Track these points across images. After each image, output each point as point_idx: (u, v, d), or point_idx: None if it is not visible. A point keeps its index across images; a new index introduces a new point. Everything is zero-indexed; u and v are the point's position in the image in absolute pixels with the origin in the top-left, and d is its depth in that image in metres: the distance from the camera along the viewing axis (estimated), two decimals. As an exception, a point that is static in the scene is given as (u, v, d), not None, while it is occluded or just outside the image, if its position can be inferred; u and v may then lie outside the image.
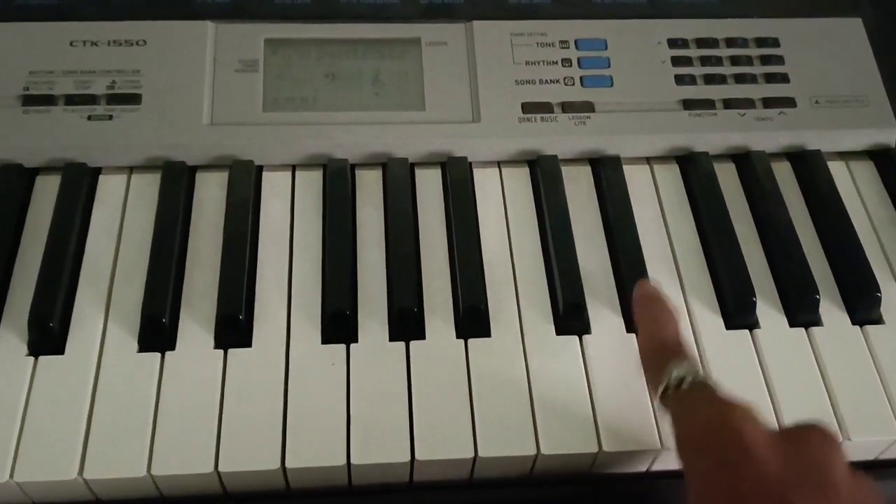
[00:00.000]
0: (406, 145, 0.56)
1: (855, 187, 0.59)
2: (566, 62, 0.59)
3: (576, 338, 0.50)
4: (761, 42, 0.61)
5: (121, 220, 0.54)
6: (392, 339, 0.49)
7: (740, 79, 0.59)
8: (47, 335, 0.48)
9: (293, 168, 0.57)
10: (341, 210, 0.54)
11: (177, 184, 0.54)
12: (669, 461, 0.47)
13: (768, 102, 0.59)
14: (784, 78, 0.60)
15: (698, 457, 0.39)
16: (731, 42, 0.61)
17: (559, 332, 0.50)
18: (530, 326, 0.50)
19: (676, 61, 0.60)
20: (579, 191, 0.57)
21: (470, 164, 0.57)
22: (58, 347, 0.48)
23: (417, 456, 0.45)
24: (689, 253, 0.54)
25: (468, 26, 0.60)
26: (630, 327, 0.51)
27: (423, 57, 0.59)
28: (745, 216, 0.57)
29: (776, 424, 0.47)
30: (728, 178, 0.58)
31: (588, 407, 0.47)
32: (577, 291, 0.51)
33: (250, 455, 0.45)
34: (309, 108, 0.57)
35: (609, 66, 0.59)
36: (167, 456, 0.44)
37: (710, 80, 0.59)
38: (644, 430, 0.46)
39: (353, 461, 0.45)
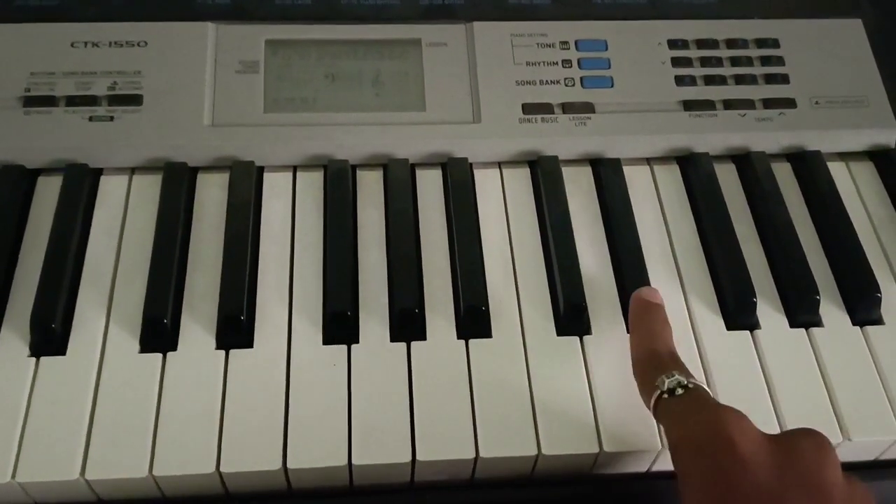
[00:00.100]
0: (407, 146, 0.56)
1: (855, 188, 0.59)
2: (566, 63, 0.59)
3: (576, 338, 0.50)
4: (761, 43, 0.61)
5: (122, 220, 0.54)
6: (393, 339, 0.49)
7: (740, 79, 0.60)
8: (49, 336, 0.48)
9: (294, 169, 0.57)
10: (342, 211, 0.54)
11: (178, 185, 0.54)
12: (669, 462, 0.47)
13: (768, 103, 0.59)
14: (784, 79, 0.60)
15: (692, 463, 0.39)
16: (731, 43, 0.61)
17: (560, 332, 0.50)
18: (531, 327, 0.50)
19: (677, 62, 0.60)
20: (580, 191, 0.57)
21: (470, 164, 0.57)
22: (59, 348, 0.48)
23: (419, 456, 0.45)
24: (690, 253, 0.55)
25: (468, 27, 0.60)
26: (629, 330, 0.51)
27: (423, 58, 0.59)
28: (746, 217, 0.57)
29: (776, 425, 0.47)
30: (728, 179, 0.58)
31: (589, 407, 0.47)
32: (578, 292, 0.51)
33: (252, 455, 0.45)
34: (309, 109, 0.57)
35: (609, 67, 0.59)
36: (169, 456, 0.44)
37: (710, 80, 0.59)
38: (644, 431, 0.46)
39: (354, 461, 0.45)
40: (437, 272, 0.52)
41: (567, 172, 0.57)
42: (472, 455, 0.45)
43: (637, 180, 0.58)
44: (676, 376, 0.43)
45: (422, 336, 0.50)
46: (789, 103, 0.59)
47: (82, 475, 0.44)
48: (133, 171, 0.56)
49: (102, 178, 0.56)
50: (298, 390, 0.47)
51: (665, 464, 0.47)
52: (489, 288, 0.51)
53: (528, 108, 0.57)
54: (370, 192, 0.56)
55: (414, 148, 0.57)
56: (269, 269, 0.52)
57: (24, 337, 0.48)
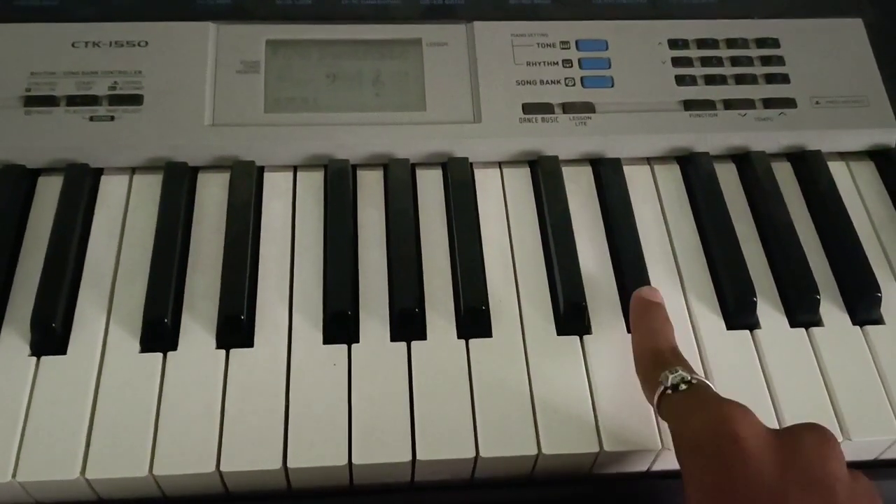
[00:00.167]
0: (407, 146, 0.56)
1: (855, 187, 0.59)
2: (567, 63, 0.59)
3: (577, 338, 0.50)
4: (761, 42, 0.61)
5: (123, 220, 0.54)
6: (393, 339, 0.49)
7: (741, 79, 0.60)
8: (49, 335, 0.48)
9: (294, 169, 0.57)
10: (342, 210, 0.54)
11: (178, 184, 0.55)
12: (670, 461, 0.47)
13: (769, 103, 0.59)
14: (784, 78, 0.60)
15: (696, 459, 0.39)
16: (731, 43, 0.61)
17: (560, 332, 0.50)
18: (531, 327, 0.50)
19: (677, 62, 0.60)
20: (580, 191, 0.57)
21: (471, 164, 0.57)
22: (60, 348, 0.48)
23: (419, 456, 0.45)
24: (690, 253, 0.55)
25: (469, 27, 0.60)
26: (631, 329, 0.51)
27: (423, 57, 0.59)
28: (746, 216, 0.57)
29: (777, 424, 0.47)
30: (728, 179, 0.58)
31: (589, 407, 0.47)
32: (578, 292, 0.51)
33: (252, 455, 0.45)
34: (310, 109, 0.57)
35: (610, 67, 0.59)
36: (169, 456, 0.44)
37: (710, 80, 0.59)
38: (645, 430, 0.46)
39: (354, 461, 0.45)
40: (437, 272, 0.52)
41: (567, 172, 0.57)
42: (472, 454, 0.45)
43: (637, 180, 0.58)
44: (680, 372, 0.43)
45: (422, 336, 0.50)
46: (789, 103, 0.59)
47: (83, 474, 0.44)
48: (133, 170, 0.56)
49: (103, 177, 0.56)
50: (298, 390, 0.47)
51: (665, 463, 0.47)
52: (489, 287, 0.52)
53: (529, 108, 0.57)
54: (370, 192, 0.56)
55: (414, 148, 0.57)
56: (269, 268, 0.52)
57: (24, 336, 0.48)
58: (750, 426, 0.39)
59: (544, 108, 0.57)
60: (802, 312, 0.52)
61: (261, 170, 0.57)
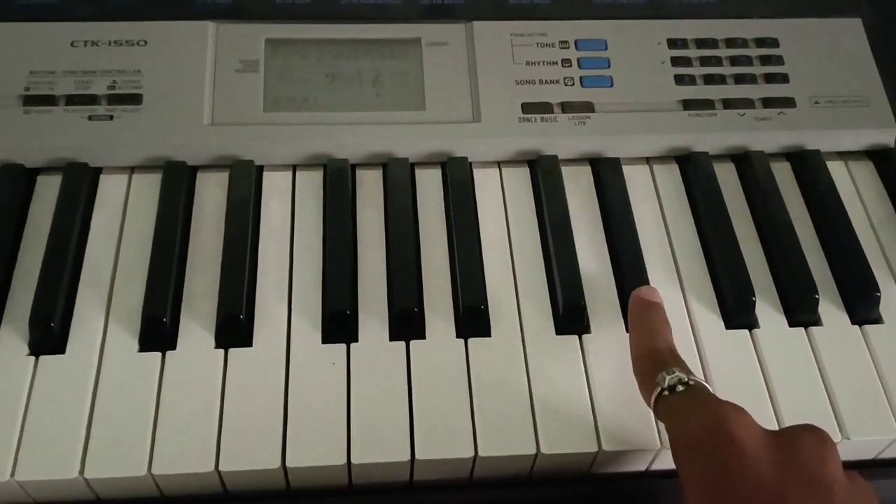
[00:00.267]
0: (406, 145, 0.56)
1: (854, 187, 0.59)
2: (566, 62, 0.59)
3: (576, 337, 0.50)
4: (761, 42, 0.61)
5: (121, 219, 0.54)
6: (392, 338, 0.49)
7: (740, 79, 0.60)
8: (48, 335, 0.48)
9: (294, 168, 0.57)
10: (342, 210, 0.54)
11: (177, 184, 0.54)
12: (668, 461, 0.47)
13: (768, 102, 0.59)
14: (784, 78, 0.60)
15: (693, 460, 0.39)
16: (730, 42, 0.61)
17: (559, 331, 0.50)
18: (530, 326, 0.50)
19: (676, 61, 0.60)
20: (579, 191, 0.57)
21: (470, 164, 0.57)
22: (59, 347, 0.48)
23: (418, 455, 0.45)
24: (689, 253, 0.55)
25: (468, 26, 0.60)
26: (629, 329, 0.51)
27: (423, 57, 0.59)
28: (745, 216, 0.57)
29: (776, 424, 0.47)
30: (728, 178, 0.58)
31: (588, 406, 0.47)
32: (577, 291, 0.51)
33: (251, 454, 0.45)
34: (309, 109, 0.57)
35: (609, 67, 0.59)
36: (168, 455, 0.44)
37: (709, 80, 0.59)
38: (643, 430, 0.46)
39: (353, 460, 0.45)
40: (436, 271, 0.52)
41: (566, 172, 0.57)
42: (471, 454, 0.45)
43: (636, 180, 0.58)
44: (677, 373, 0.43)
45: (421, 335, 0.50)
46: (789, 103, 0.59)
47: (81, 474, 0.44)
48: (133, 170, 0.56)
49: (102, 177, 0.56)
50: (297, 389, 0.47)
51: (664, 463, 0.47)
52: (488, 287, 0.52)
53: (528, 108, 0.57)
54: (370, 192, 0.56)
55: (414, 147, 0.57)
56: (268, 268, 0.52)
57: (23, 336, 0.48)
58: (747, 427, 0.39)
59: (543, 108, 0.57)
60: (801, 312, 0.52)
61: (260, 169, 0.57)
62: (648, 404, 0.44)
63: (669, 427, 0.42)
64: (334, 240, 0.52)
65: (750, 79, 0.60)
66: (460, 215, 0.54)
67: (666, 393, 0.42)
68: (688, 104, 0.58)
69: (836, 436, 0.47)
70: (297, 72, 0.58)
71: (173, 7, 0.59)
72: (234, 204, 0.54)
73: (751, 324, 0.52)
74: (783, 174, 0.59)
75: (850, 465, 0.40)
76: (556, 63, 0.59)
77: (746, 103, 0.59)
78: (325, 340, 0.49)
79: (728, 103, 0.59)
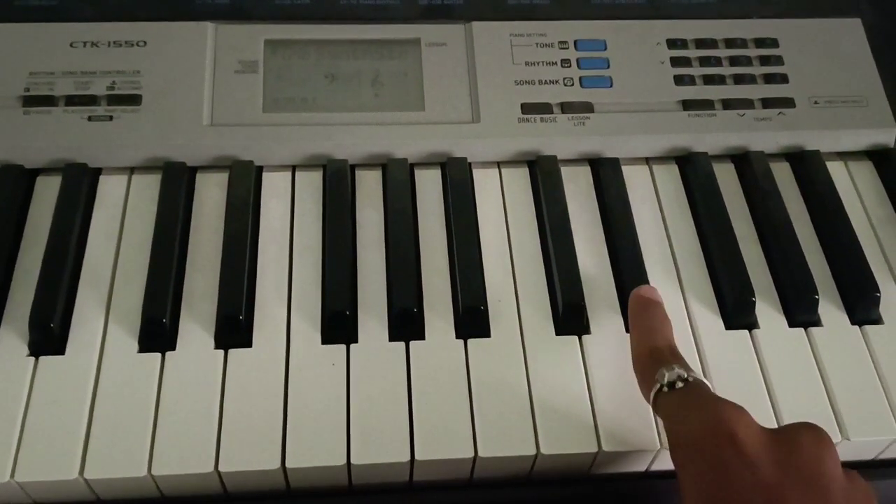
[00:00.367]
0: (406, 146, 0.56)
1: (854, 187, 0.59)
2: (565, 63, 0.59)
3: (575, 338, 0.50)
4: (760, 42, 0.61)
5: (121, 220, 0.54)
6: (392, 339, 0.49)
7: (739, 79, 0.60)
8: (48, 335, 0.48)
9: (293, 168, 0.57)
10: (341, 210, 0.54)
11: (177, 184, 0.54)
12: (668, 461, 0.47)
13: (767, 103, 0.59)
14: (783, 78, 0.60)
15: (691, 458, 0.39)
16: (730, 42, 0.61)
17: (559, 332, 0.50)
18: (530, 327, 0.50)
19: (676, 62, 0.60)
20: (579, 191, 0.57)
21: (469, 164, 0.57)
22: (58, 348, 0.48)
23: (417, 456, 0.45)
24: (689, 253, 0.55)
25: (468, 27, 0.60)
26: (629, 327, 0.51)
27: (422, 57, 0.59)
28: (745, 216, 0.57)
29: (775, 424, 0.47)
30: (727, 179, 0.58)
31: (587, 407, 0.47)
32: (577, 292, 0.51)
33: (250, 455, 0.45)
34: (309, 109, 0.57)
35: (608, 67, 0.59)
36: (167, 456, 0.44)
37: (709, 80, 0.59)
38: (643, 430, 0.46)
39: (353, 461, 0.45)
40: (435, 272, 0.52)
41: (566, 172, 0.57)
42: (470, 454, 0.45)
43: (636, 180, 0.58)
44: (676, 370, 0.43)
45: (420, 336, 0.50)
46: (788, 103, 0.59)
47: (81, 474, 0.44)
48: (132, 170, 0.56)
49: (101, 177, 0.56)
50: (297, 390, 0.47)
51: (664, 463, 0.47)
52: (488, 287, 0.52)
53: (527, 108, 0.57)
54: (369, 192, 0.56)
55: (413, 148, 0.57)
56: (268, 268, 0.52)
57: (23, 336, 0.48)
58: (746, 426, 0.39)
59: (543, 108, 0.57)
60: (801, 312, 0.52)
61: (259, 169, 0.57)
62: (648, 401, 0.44)
63: (668, 426, 0.42)
64: (334, 240, 0.52)
65: (749, 79, 0.60)
66: (460, 216, 0.54)
67: (665, 389, 0.42)
68: (687, 104, 0.58)
69: (836, 436, 0.47)
70: (297, 72, 0.58)
71: (172, 8, 0.59)
72: (234, 204, 0.54)
73: (750, 324, 0.52)
74: (783, 174, 0.59)
75: (850, 466, 0.40)
76: (556, 63, 0.59)
77: (746, 103, 0.59)
78: (325, 341, 0.49)
79: (728, 103, 0.59)
